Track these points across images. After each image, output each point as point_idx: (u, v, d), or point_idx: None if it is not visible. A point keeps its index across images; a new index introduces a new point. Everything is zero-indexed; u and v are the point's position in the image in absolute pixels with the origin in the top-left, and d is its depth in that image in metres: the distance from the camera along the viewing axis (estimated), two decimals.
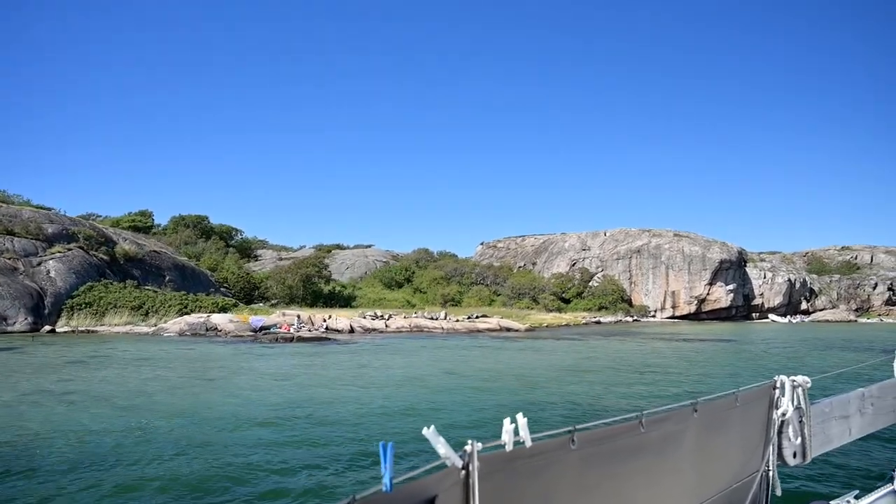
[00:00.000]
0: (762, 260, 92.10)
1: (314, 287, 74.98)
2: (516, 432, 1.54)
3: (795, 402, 3.07)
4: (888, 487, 4.00)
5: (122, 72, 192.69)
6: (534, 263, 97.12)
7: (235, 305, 49.47)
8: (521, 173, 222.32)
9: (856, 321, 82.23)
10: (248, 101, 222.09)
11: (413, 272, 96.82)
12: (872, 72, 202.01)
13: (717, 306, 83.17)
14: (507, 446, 1.53)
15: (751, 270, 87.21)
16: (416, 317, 46.35)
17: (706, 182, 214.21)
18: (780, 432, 3.04)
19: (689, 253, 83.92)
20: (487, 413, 12.23)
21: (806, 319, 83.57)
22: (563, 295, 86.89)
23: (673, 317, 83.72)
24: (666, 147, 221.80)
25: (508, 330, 46.77)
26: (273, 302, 69.59)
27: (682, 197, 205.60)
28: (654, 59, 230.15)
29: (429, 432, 1.29)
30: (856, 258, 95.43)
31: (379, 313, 46.07)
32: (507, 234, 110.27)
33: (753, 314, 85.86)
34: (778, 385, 3.04)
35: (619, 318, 78.24)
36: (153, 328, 40.68)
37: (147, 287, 51.18)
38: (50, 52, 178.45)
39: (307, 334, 35.70)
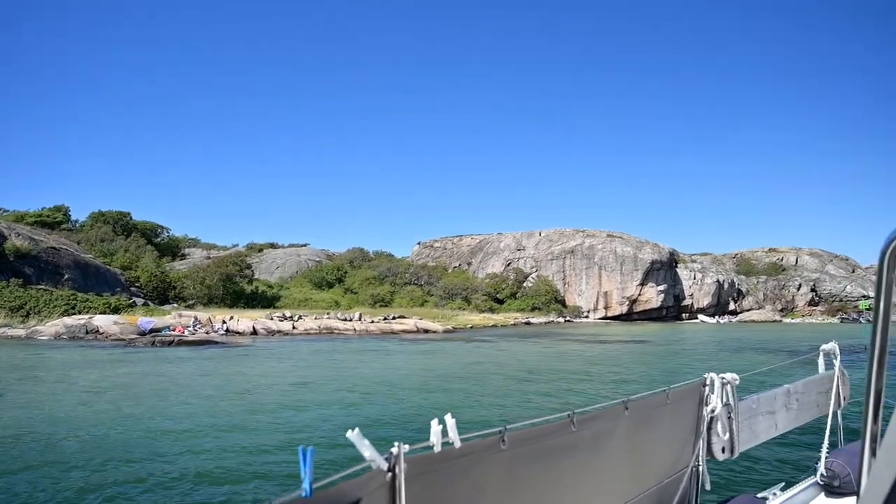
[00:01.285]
0: (693, 261, 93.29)
1: (236, 287, 71.39)
2: (445, 433, 1.52)
3: (724, 399, 3.15)
4: (811, 479, 4.01)
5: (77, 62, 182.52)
6: (469, 263, 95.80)
7: (132, 306, 45.91)
8: (462, 173, 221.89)
9: (780, 321, 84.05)
10: (186, 94, 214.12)
11: (345, 272, 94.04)
12: (800, 76, 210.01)
13: (649, 307, 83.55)
14: (435, 447, 1.51)
15: (681, 271, 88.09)
16: (328, 318, 43.91)
17: (643, 184, 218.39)
18: (709, 428, 3.09)
19: (621, 253, 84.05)
20: (278, 439, 10.16)
21: (733, 320, 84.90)
22: (497, 295, 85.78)
23: (605, 317, 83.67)
24: (603, 149, 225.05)
25: (426, 331, 44.89)
26: (190, 303, 65.79)
27: (618, 198, 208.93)
28: (589, 58, 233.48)
29: (353, 434, 1.26)
30: (782, 260, 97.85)
31: (288, 314, 43.47)
32: (447, 233, 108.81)
33: (683, 314, 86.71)
34: (708, 382, 3.11)
35: (551, 319, 77.52)
36: (29, 331, 37.01)
37: (40, 286, 47.10)
38: None
39: (192, 337, 32.85)
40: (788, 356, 25.42)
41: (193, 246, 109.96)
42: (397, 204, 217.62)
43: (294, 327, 41.13)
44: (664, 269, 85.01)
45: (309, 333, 40.80)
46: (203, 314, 41.00)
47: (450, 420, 1.54)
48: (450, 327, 50.39)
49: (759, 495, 3.76)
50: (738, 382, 3.20)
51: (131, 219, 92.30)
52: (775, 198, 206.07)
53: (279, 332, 39.98)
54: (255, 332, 39.03)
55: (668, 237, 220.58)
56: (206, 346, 30.27)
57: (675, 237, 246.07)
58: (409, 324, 45.32)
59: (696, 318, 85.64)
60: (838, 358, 4.40)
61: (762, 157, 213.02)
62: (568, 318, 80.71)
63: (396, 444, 1.38)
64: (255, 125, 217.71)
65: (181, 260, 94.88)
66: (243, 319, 40.33)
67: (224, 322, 39.45)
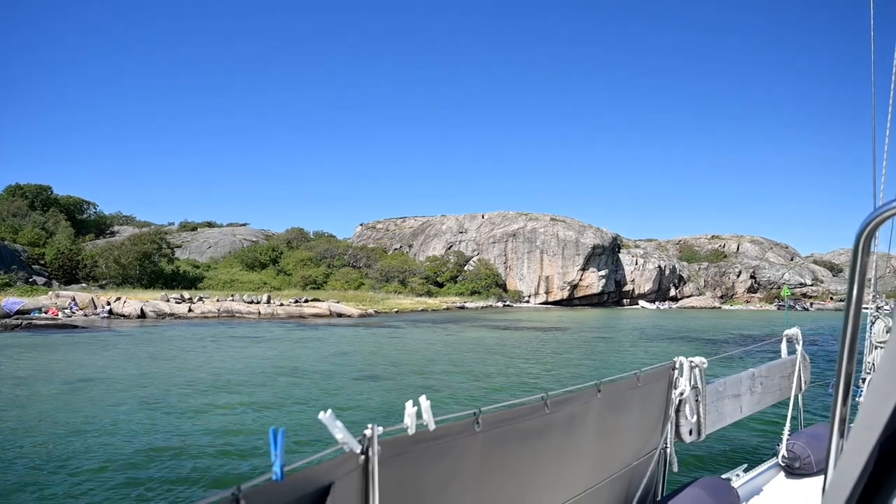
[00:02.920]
0: (636, 246, 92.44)
1: (154, 267, 66.88)
2: (419, 415, 1.51)
3: (692, 382, 3.18)
4: (773, 461, 4.07)
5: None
6: (410, 246, 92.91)
7: (9, 285, 41.48)
8: (410, 153, 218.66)
9: (720, 308, 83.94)
10: (135, 71, 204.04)
11: (281, 253, 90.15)
12: (738, 69, 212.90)
13: (590, 292, 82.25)
14: (409, 430, 1.50)
15: (623, 257, 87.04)
16: (232, 301, 40.46)
17: (596, 171, 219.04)
18: (677, 411, 3.14)
19: (563, 237, 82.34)
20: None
21: (674, 306, 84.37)
22: (437, 279, 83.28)
23: (547, 302, 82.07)
24: (555, 136, 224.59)
25: (340, 316, 41.92)
26: (101, 283, 61.32)
27: (570, 184, 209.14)
28: (535, 40, 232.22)
29: (325, 416, 1.24)
30: (724, 247, 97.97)
31: (186, 296, 39.79)
32: (395, 215, 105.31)
33: (625, 300, 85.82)
34: (677, 366, 3.14)
35: (490, 304, 75.40)
36: None
37: None
38: None
39: (41, 322, 29.17)
40: (714, 346, 23.42)
41: (126, 224, 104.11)
42: (346, 186, 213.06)
43: (190, 310, 37.61)
44: (606, 253, 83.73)
45: (206, 317, 37.39)
46: (84, 295, 37.08)
47: (424, 402, 1.51)
48: (371, 311, 47.54)
49: (723, 476, 3.67)
50: (706, 366, 3.23)
51: (52, 193, 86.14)
52: (721, 185, 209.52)
53: (172, 315, 36.42)
54: (143, 315, 35.42)
55: (617, 223, 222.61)
56: (61, 331, 26.68)
57: (624, 223, 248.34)
58: (323, 307, 42.23)
59: (637, 303, 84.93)
60: (801, 343, 4.47)
61: (713, 145, 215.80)
62: (507, 303, 78.73)
63: (370, 426, 1.36)
64: (209, 105, 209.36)
65: (110, 238, 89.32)
66: (132, 301, 36.60)
67: (108, 304, 35.71)
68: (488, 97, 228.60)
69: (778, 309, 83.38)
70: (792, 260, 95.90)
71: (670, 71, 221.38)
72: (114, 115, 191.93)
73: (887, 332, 5.47)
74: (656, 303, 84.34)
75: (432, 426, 1.56)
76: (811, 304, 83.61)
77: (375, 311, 48.44)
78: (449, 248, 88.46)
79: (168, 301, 38.89)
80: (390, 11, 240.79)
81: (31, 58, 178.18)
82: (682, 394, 3.13)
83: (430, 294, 77.94)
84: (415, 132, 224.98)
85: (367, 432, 1.37)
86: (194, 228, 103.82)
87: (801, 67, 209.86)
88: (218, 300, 40.42)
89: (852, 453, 0.74)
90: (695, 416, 3.24)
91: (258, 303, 41.45)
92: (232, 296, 41.76)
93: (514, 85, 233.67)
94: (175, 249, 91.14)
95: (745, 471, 4.08)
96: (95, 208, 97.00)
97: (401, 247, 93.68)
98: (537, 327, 35.91)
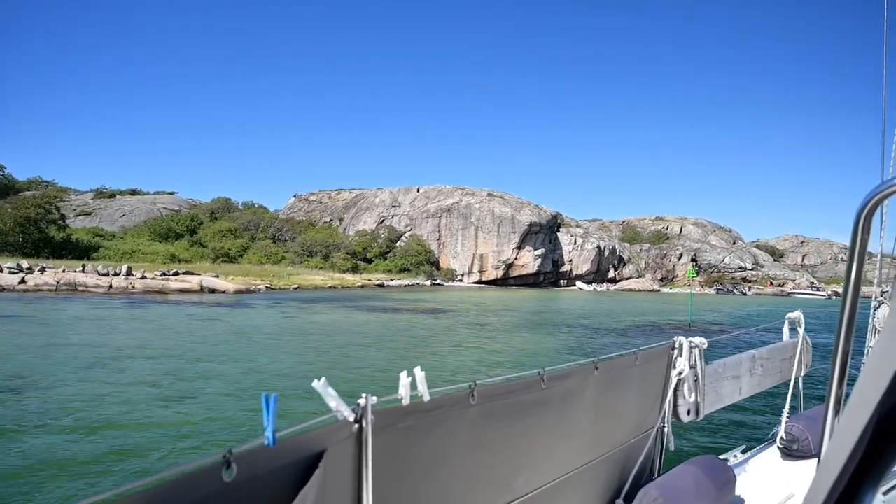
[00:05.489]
0: (577, 226, 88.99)
1: (42, 234, 60.42)
2: (414, 386, 1.49)
3: (692, 362, 3.14)
4: (771, 443, 4.05)
5: None
6: (341, 219, 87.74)
7: None
8: (354, 122, 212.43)
9: (659, 291, 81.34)
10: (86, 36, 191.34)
11: (201, 223, 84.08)
12: (692, 46, 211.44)
13: (525, 272, 78.62)
14: (403, 400, 1.49)
15: (563, 236, 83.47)
16: (78, 272, 35.03)
17: (548, 149, 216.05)
18: (676, 390, 3.11)
19: (499, 214, 78.21)
20: None
21: (612, 288, 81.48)
22: (367, 255, 78.51)
23: (480, 281, 78.12)
24: (520, 115, 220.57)
25: (213, 291, 36.95)
26: None
27: (522, 162, 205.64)
28: (480, 8, 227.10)
29: (318, 384, 1.23)
30: (667, 228, 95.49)
31: (25, 266, 34.20)
32: (335, 187, 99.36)
33: (562, 281, 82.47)
34: (676, 345, 3.11)
35: (417, 282, 70.97)
36: None
37: None
38: None
39: None
40: (618, 337, 19.53)
41: (42, 188, 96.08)
42: (289, 156, 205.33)
43: (23, 281, 32.18)
44: (543, 232, 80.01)
45: (40, 290, 32.12)
46: None
47: (419, 373, 1.49)
48: (261, 287, 42.71)
49: (721, 457, 3.67)
50: (705, 346, 3.20)
51: None
52: (666, 166, 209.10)
53: None
54: None
55: (564, 203, 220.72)
56: None
57: (571, 203, 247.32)
58: (193, 282, 37.18)
59: (575, 284, 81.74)
60: (802, 326, 4.42)
61: (662, 125, 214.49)
62: (437, 282, 74.43)
63: (364, 395, 1.35)
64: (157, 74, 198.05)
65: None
66: None
67: None
68: (450, 71, 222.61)
69: (717, 293, 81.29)
70: (734, 244, 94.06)
71: (621, 57, 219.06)
72: (62, 82, 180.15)
73: None
74: (593, 284, 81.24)
75: (427, 397, 1.54)
76: (749, 288, 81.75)
77: (266, 287, 43.61)
78: (381, 223, 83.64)
79: (2, 271, 33.32)
80: None
81: None
82: (680, 373, 3.10)
83: (355, 270, 73.18)
84: (366, 100, 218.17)
85: (361, 401, 1.35)
86: (112, 195, 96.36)
87: (755, 46, 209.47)
88: (64, 270, 34.90)
89: (845, 432, 0.75)
90: (693, 396, 3.21)
91: (117, 275, 36.12)
92: (83, 266, 36.30)
93: (470, 56, 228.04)
94: (84, 217, 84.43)
95: (743, 452, 4.05)
96: (2, 171, 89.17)
97: (331, 220, 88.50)
98: (427, 309, 31.72)
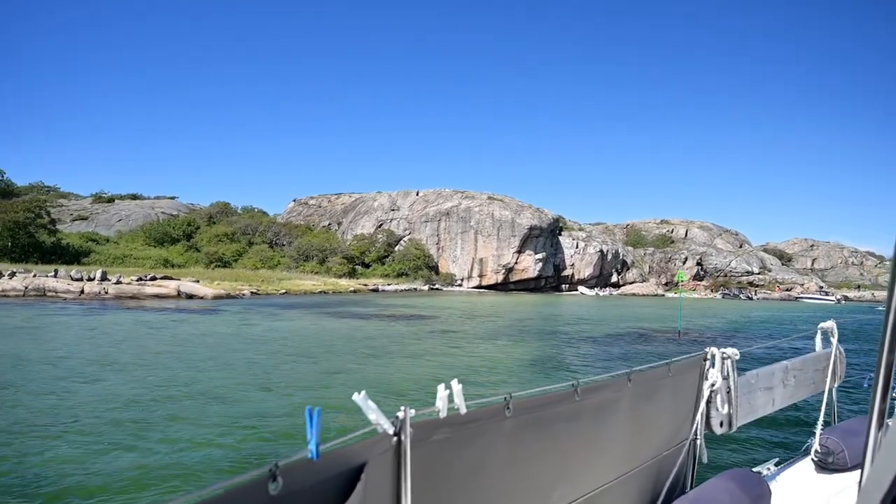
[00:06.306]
0: (580, 229, 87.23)
1: (33, 238, 59.67)
2: (451, 399, 1.51)
3: (724, 374, 3.10)
4: (806, 455, 3.95)
5: None
6: (339, 223, 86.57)
7: None
8: (357, 127, 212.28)
9: (664, 295, 79.31)
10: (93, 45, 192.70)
11: (198, 227, 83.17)
12: (698, 49, 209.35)
13: (525, 276, 76.95)
14: (440, 413, 1.51)
15: (564, 240, 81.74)
16: (49, 277, 33.98)
17: (562, 155, 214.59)
18: (708, 402, 3.06)
19: (499, 217, 76.66)
20: None
21: (615, 292, 79.62)
22: (365, 259, 77.19)
23: (480, 286, 76.55)
24: (524, 118, 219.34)
25: (191, 297, 35.75)
26: None
27: (531, 167, 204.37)
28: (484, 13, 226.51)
29: (358, 398, 1.26)
30: (672, 232, 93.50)
31: None
32: (334, 191, 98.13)
33: (563, 285, 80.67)
34: (708, 357, 3.07)
35: (415, 287, 69.53)
36: None
37: None
38: None
39: None
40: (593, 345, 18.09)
41: (41, 194, 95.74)
42: (293, 161, 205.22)
43: None
44: (544, 235, 78.32)
45: (7, 296, 31.13)
46: None
47: (456, 386, 1.51)
48: (245, 292, 41.56)
49: (754, 469, 3.61)
50: (738, 357, 3.15)
51: None
52: (672, 169, 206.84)
53: None
54: None
55: (569, 207, 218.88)
56: None
57: (576, 207, 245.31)
58: (171, 287, 36.02)
59: (577, 289, 79.91)
60: (835, 336, 4.31)
61: (668, 128, 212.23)
62: (436, 287, 72.90)
63: (403, 408, 1.38)
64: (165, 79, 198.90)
65: None
66: None
67: None
68: (460, 75, 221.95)
69: (723, 297, 79.14)
70: (741, 247, 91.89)
71: (626, 59, 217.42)
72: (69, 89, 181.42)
73: None
74: (595, 289, 79.41)
75: (464, 410, 1.55)
76: (756, 292, 79.57)
77: (252, 293, 42.37)
78: (379, 227, 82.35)
79: None
80: None
81: None
82: (713, 385, 3.05)
83: (352, 275, 71.90)
84: (369, 101, 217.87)
85: (400, 414, 1.37)
86: (111, 200, 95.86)
87: (762, 52, 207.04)
88: (35, 275, 33.87)
89: (892, 448, 0.71)
90: (726, 408, 3.16)
91: (91, 279, 34.98)
92: (55, 271, 35.23)
93: (473, 60, 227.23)
94: (80, 221, 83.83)
95: (777, 464, 3.96)
96: (2, 175, 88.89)
97: (329, 224, 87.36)
98: (406, 315, 30.33)
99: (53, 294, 32.16)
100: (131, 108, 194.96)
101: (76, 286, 33.04)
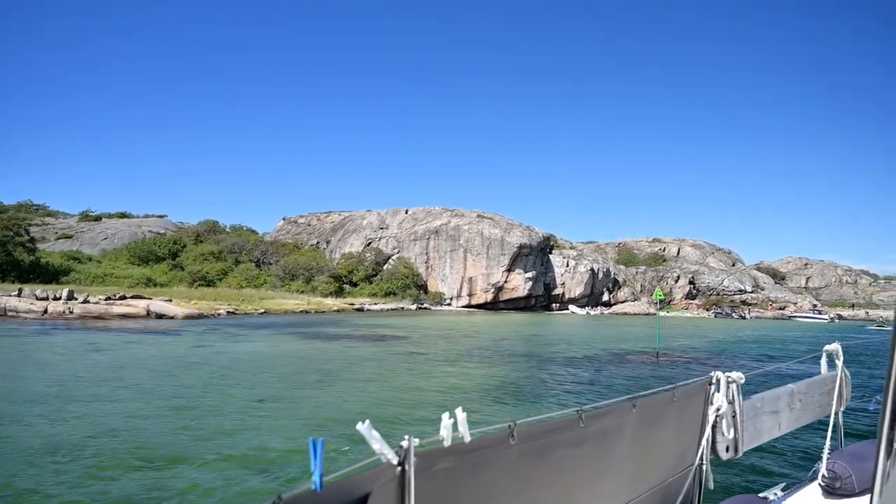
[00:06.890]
0: (571, 248, 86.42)
1: (11, 256, 58.62)
2: (455, 427, 1.50)
3: (729, 398, 3.08)
4: (812, 480, 3.86)
5: None
6: (328, 242, 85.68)
7: None
8: (347, 145, 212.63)
9: (656, 314, 78.19)
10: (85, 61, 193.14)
11: (184, 246, 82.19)
12: (690, 68, 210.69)
13: (515, 295, 75.97)
14: (445, 441, 1.48)
15: (555, 258, 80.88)
16: (13, 296, 32.96)
17: (552, 172, 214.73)
18: (714, 427, 3.04)
19: (488, 235, 75.87)
20: None
21: (606, 311, 78.56)
22: (353, 278, 76.16)
23: (469, 305, 75.50)
24: (515, 135, 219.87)
25: (161, 317, 34.68)
26: None
27: (523, 186, 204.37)
28: (476, 26, 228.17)
29: (363, 427, 1.24)
30: (664, 250, 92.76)
31: None
32: (324, 209, 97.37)
33: (554, 305, 79.62)
34: (713, 381, 3.04)
35: (402, 306, 68.47)
36: None
37: None
38: None
39: None
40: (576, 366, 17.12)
41: (29, 213, 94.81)
42: (284, 180, 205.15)
43: None
44: (534, 254, 77.46)
45: None
46: None
47: (460, 414, 1.50)
48: (222, 311, 40.48)
49: (760, 495, 3.69)
50: (743, 381, 3.12)
51: None
52: (665, 188, 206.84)
53: None
54: None
55: (561, 225, 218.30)
56: None
57: (568, 225, 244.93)
58: (140, 307, 34.99)
59: (568, 308, 78.83)
60: (841, 359, 4.28)
61: (660, 146, 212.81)
62: (424, 306, 71.85)
63: (406, 437, 1.34)
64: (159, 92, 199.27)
65: None
66: None
67: None
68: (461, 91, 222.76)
69: (715, 316, 78.15)
70: (734, 266, 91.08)
71: (618, 78, 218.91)
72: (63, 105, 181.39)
73: None
74: (587, 308, 78.34)
75: (468, 438, 1.53)
76: (748, 311, 78.56)
77: (228, 312, 41.25)
78: (368, 245, 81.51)
79: None
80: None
81: None
82: (718, 409, 3.00)
83: (339, 294, 70.86)
84: (358, 123, 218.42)
85: (404, 444, 1.34)
86: (98, 219, 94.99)
87: (755, 64, 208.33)
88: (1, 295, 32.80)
89: None
90: (732, 433, 3.11)
91: (57, 299, 33.92)
92: (20, 290, 34.18)
93: (475, 73, 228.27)
94: (65, 240, 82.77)
95: (784, 489, 3.91)
96: None
97: (318, 242, 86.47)
98: (378, 336, 29.28)
99: (14, 314, 31.14)
100: (123, 126, 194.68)
101: (39, 306, 32.02)
